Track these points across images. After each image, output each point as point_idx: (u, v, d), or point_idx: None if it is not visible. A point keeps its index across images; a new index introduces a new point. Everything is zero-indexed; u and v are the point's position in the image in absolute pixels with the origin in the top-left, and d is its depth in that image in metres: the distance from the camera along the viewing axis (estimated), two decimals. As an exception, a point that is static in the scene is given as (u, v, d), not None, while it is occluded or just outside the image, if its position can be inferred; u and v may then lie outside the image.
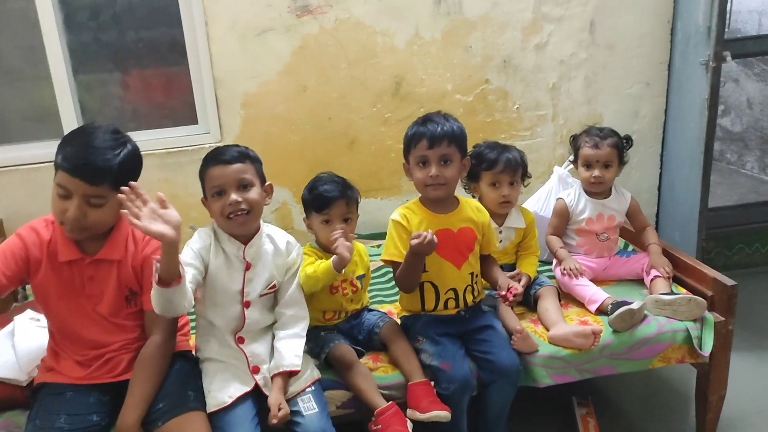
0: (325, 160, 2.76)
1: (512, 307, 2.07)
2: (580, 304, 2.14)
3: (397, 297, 2.25)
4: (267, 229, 1.80)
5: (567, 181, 2.53)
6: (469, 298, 1.95)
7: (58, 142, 1.59)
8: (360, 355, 1.89)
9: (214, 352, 1.73)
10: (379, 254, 2.64)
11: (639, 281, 2.26)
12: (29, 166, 2.59)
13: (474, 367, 1.88)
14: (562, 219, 2.31)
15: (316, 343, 1.89)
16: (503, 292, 1.92)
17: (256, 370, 1.71)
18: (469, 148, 2.00)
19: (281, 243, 1.80)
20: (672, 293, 2.06)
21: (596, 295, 2.09)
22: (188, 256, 1.66)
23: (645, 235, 2.31)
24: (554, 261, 2.34)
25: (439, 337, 1.88)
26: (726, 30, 2.63)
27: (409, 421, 1.72)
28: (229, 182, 1.67)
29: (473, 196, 2.26)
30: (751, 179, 4.18)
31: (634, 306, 1.96)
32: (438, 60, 2.80)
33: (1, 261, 1.56)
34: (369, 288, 2.23)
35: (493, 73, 2.86)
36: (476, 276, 1.98)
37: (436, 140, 1.81)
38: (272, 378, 1.70)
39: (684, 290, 2.14)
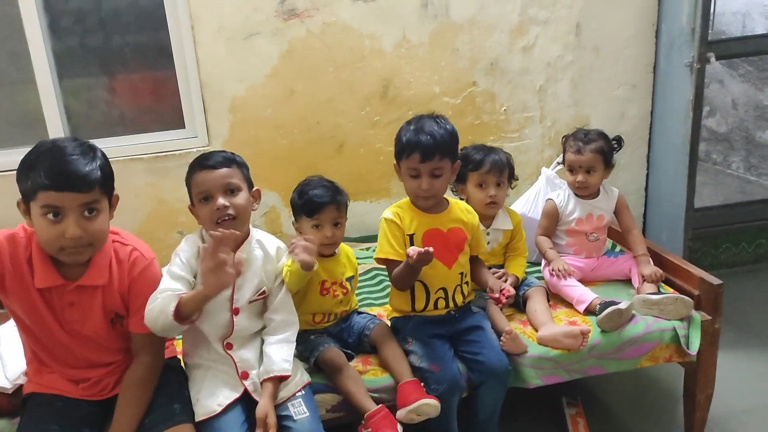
0: (314, 163, 2.76)
1: (501, 308, 2.08)
2: (569, 305, 2.15)
3: (386, 300, 2.25)
4: (257, 234, 1.79)
5: (555, 183, 2.54)
6: (459, 298, 1.96)
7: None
8: (349, 358, 1.89)
9: (203, 358, 1.72)
10: (368, 257, 2.65)
11: (626, 281, 2.28)
12: (14, 173, 2.55)
13: (463, 369, 1.88)
14: (552, 220, 2.32)
15: (305, 347, 1.89)
16: (496, 295, 1.93)
17: (245, 375, 1.70)
18: (458, 151, 2.01)
19: (271, 248, 1.79)
20: (659, 293, 2.07)
21: (584, 295, 2.11)
22: (178, 267, 1.65)
23: (632, 243, 2.27)
24: (543, 262, 2.35)
25: (429, 339, 1.89)
26: (710, 32, 2.65)
27: (399, 423, 1.71)
28: (216, 187, 1.65)
29: (461, 198, 2.26)
30: (737, 179, 4.23)
31: (622, 306, 1.97)
32: (425, 63, 2.80)
33: None
34: (358, 291, 2.23)
35: (480, 75, 2.87)
36: (466, 276, 1.98)
37: (429, 155, 1.81)
38: (262, 384, 1.69)
39: (671, 290, 2.15)
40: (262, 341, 1.76)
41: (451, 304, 1.95)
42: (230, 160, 1.70)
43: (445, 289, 1.93)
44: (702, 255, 3.19)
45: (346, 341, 1.96)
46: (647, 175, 3.11)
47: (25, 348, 1.66)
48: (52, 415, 1.56)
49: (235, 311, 1.72)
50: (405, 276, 1.84)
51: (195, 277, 1.66)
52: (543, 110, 2.97)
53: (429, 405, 1.71)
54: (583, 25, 2.89)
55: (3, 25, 2.55)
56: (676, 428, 2.22)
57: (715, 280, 2.07)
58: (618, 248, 2.47)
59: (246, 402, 1.68)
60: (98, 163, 1.51)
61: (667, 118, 2.91)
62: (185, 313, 1.52)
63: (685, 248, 2.77)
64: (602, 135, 2.27)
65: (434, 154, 1.81)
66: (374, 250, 2.69)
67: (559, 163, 2.56)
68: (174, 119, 2.73)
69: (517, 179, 2.33)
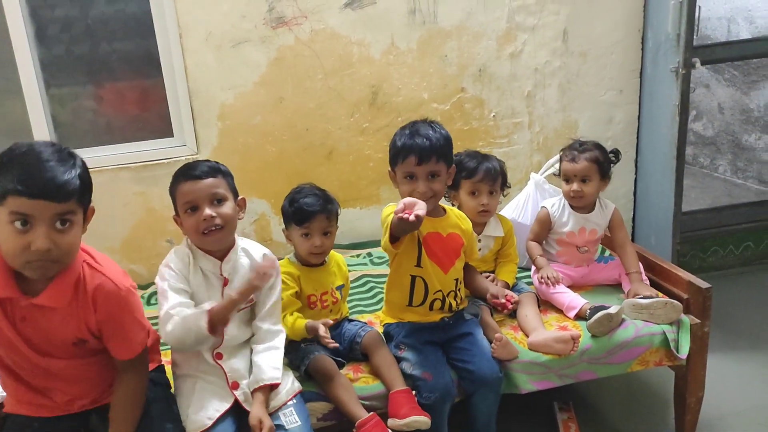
0: (303, 170, 2.76)
1: (492, 314, 2.09)
2: (559, 310, 2.16)
3: (378, 307, 2.25)
4: (242, 243, 1.77)
5: (544, 188, 2.55)
6: (453, 303, 1.96)
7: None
8: (340, 366, 1.88)
9: (192, 369, 1.70)
10: (359, 264, 2.66)
11: (616, 286, 2.29)
12: None
13: (455, 376, 1.88)
14: (544, 227, 2.32)
15: (296, 355, 1.88)
16: (501, 301, 1.93)
17: (235, 385, 1.69)
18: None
19: (257, 256, 1.77)
20: (648, 297, 2.08)
21: (574, 301, 2.11)
22: (173, 278, 1.64)
23: (625, 259, 2.24)
24: (533, 268, 2.35)
25: (422, 346, 1.88)
26: (695, 37, 2.68)
27: (390, 431, 1.71)
28: (202, 197, 1.64)
29: (453, 204, 2.26)
30: (724, 182, 4.26)
31: (612, 310, 1.98)
32: (414, 69, 2.81)
33: None
34: (349, 298, 2.22)
35: (468, 81, 2.88)
36: (460, 282, 1.99)
37: (425, 157, 1.81)
38: (253, 393, 1.68)
39: (660, 294, 2.17)
40: (252, 350, 1.75)
41: (446, 308, 1.95)
42: (215, 170, 1.69)
43: (441, 292, 1.93)
44: (690, 258, 3.21)
45: (337, 349, 1.94)
46: (635, 179, 3.14)
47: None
48: None
49: None
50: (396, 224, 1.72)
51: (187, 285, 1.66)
52: (531, 116, 2.98)
53: (419, 422, 1.70)
54: (570, 31, 2.91)
55: (-12, 34, 2.53)
56: (667, 431, 2.22)
57: (704, 284, 2.08)
58: (608, 253, 2.48)
59: (237, 412, 1.67)
60: (77, 172, 1.38)
61: (653, 122, 2.93)
62: (216, 324, 1.52)
63: (673, 252, 2.79)
64: (599, 146, 2.25)
65: (431, 156, 1.81)
66: (365, 257, 2.72)
67: (548, 168, 2.58)
68: (162, 127, 2.72)
69: (510, 187, 2.33)
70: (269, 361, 1.71)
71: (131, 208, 2.68)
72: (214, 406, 1.64)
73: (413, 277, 1.90)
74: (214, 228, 1.64)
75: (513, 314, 2.12)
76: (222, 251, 1.71)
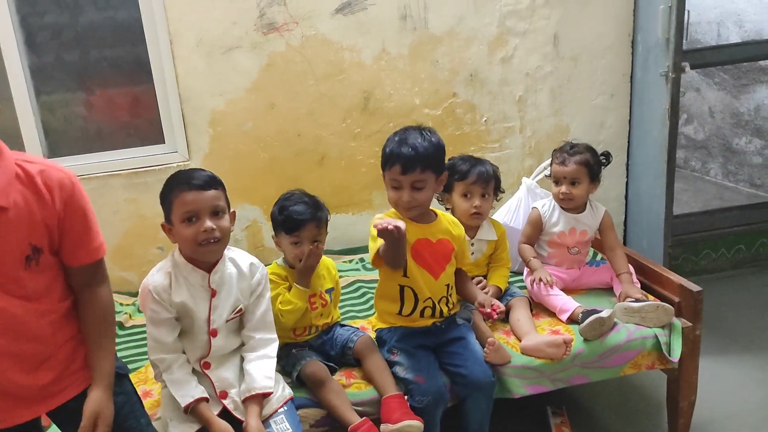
0: (295, 176, 2.75)
1: (485, 318, 2.08)
2: (552, 314, 2.16)
3: (370, 312, 2.25)
4: (229, 252, 1.75)
5: (536, 192, 2.56)
6: (445, 309, 1.95)
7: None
8: (332, 371, 1.87)
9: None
10: (351, 270, 2.65)
11: (608, 290, 2.29)
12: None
13: (448, 381, 1.88)
14: (536, 228, 2.32)
15: (287, 361, 1.87)
16: (487, 310, 1.92)
17: (223, 395, 1.68)
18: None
19: (244, 265, 1.76)
20: (640, 300, 2.08)
21: (567, 304, 2.11)
22: (154, 310, 1.64)
23: (615, 261, 2.24)
24: (525, 271, 2.35)
25: (414, 350, 1.88)
26: (685, 41, 2.70)
27: (383, 437, 1.71)
28: (204, 208, 1.62)
29: (446, 208, 2.27)
30: (715, 186, 4.29)
31: (604, 314, 1.98)
32: (405, 75, 2.81)
33: None
34: (341, 303, 2.22)
35: (460, 86, 2.89)
36: (451, 288, 1.98)
37: (409, 168, 1.79)
38: (245, 403, 1.66)
39: (652, 297, 2.17)
40: (242, 359, 1.74)
41: (437, 315, 1.95)
42: (216, 182, 1.67)
43: (432, 300, 1.93)
44: (682, 261, 3.22)
45: (329, 354, 1.94)
46: (626, 182, 3.15)
47: None
48: None
49: (213, 333, 1.69)
50: (388, 248, 1.74)
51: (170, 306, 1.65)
52: (523, 120, 2.99)
53: (412, 426, 1.70)
54: (560, 35, 2.92)
55: (-22, 42, 2.52)
56: (660, 435, 2.23)
57: (695, 287, 2.08)
58: (599, 257, 2.49)
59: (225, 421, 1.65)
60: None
61: (644, 126, 2.95)
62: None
63: (665, 255, 2.80)
64: (589, 148, 2.26)
65: (415, 166, 1.79)
66: (357, 262, 2.71)
67: (540, 173, 2.58)
68: (153, 134, 2.72)
69: (503, 191, 2.33)
70: (262, 370, 1.70)
71: (122, 215, 2.67)
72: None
73: (402, 287, 1.90)
74: (212, 240, 1.62)
75: (505, 318, 2.12)
76: (210, 263, 1.69)
